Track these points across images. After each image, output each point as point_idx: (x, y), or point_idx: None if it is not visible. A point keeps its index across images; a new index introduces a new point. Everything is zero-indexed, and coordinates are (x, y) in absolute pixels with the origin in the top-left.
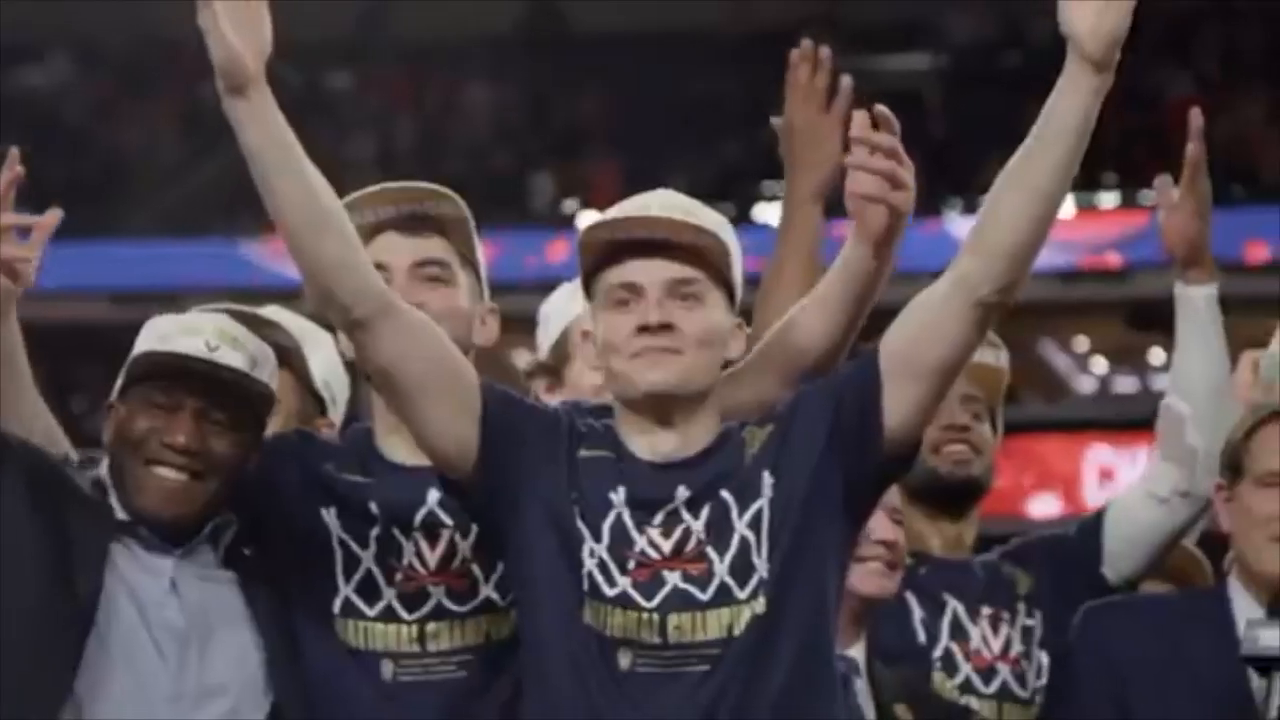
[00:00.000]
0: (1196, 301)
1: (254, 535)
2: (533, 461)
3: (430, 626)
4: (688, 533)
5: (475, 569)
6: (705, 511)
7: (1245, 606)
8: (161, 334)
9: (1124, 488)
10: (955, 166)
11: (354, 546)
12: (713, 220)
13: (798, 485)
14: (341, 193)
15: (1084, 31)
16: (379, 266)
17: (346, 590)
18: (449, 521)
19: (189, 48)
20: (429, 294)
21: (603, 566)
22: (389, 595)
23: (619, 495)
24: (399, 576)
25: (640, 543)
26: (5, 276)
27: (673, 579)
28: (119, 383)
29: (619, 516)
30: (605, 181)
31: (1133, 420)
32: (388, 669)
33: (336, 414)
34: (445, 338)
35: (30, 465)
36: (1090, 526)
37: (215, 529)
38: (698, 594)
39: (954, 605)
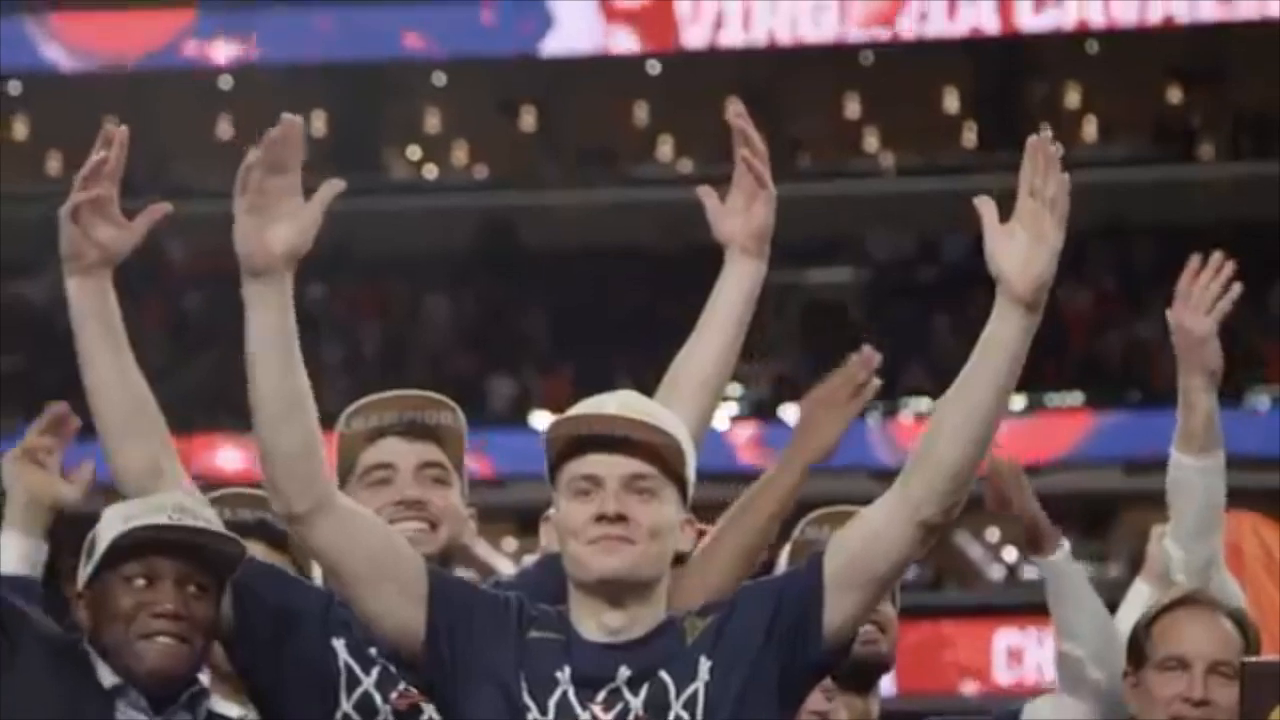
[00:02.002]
0: (1059, 565)
1: (268, 651)
2: (481, 642)
3: None
4: (627, 709)
5: None
6: (644, 690)
7: None
8: (124, 516)
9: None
10: (876, 371)
11: (358, 670)
12: (668, 421)
13: (735, 672)
14: (315, 393)
15: (1012, 274)
16: (383, 466)
17: (346, 707)
18: None
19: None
20: (433, 493)
21: None
22: (385, 711)
23: (564, 673)
24: (394, 696)
25: (583, 717)
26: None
27: None
28: (87, 571)
29: (564, 693)
30: (557, 384)
31: (1039, 605)
32: None
33: None
34: (386, 527)
35: (49, 636)
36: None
37: (192, 697)
38: None
39: None
